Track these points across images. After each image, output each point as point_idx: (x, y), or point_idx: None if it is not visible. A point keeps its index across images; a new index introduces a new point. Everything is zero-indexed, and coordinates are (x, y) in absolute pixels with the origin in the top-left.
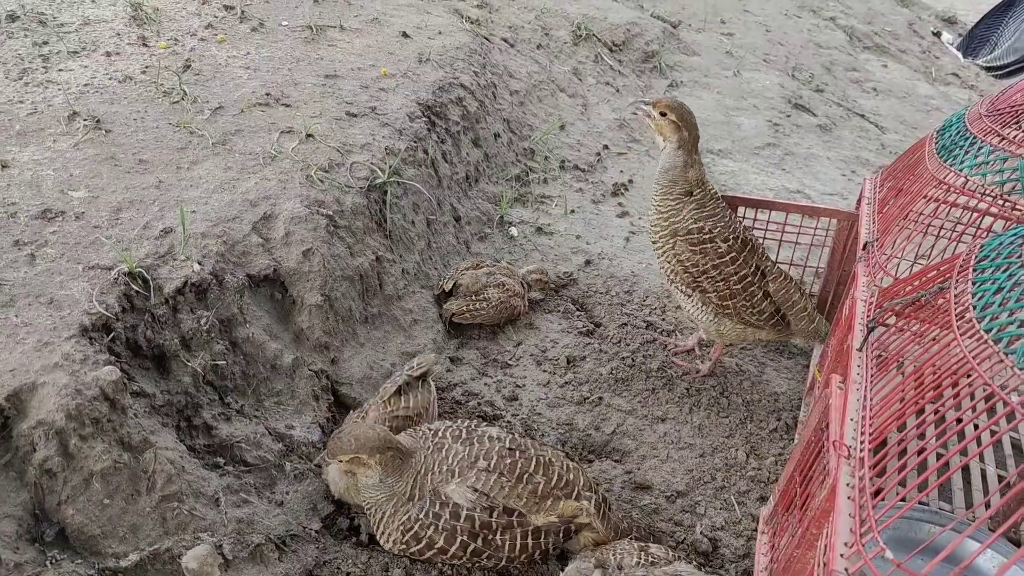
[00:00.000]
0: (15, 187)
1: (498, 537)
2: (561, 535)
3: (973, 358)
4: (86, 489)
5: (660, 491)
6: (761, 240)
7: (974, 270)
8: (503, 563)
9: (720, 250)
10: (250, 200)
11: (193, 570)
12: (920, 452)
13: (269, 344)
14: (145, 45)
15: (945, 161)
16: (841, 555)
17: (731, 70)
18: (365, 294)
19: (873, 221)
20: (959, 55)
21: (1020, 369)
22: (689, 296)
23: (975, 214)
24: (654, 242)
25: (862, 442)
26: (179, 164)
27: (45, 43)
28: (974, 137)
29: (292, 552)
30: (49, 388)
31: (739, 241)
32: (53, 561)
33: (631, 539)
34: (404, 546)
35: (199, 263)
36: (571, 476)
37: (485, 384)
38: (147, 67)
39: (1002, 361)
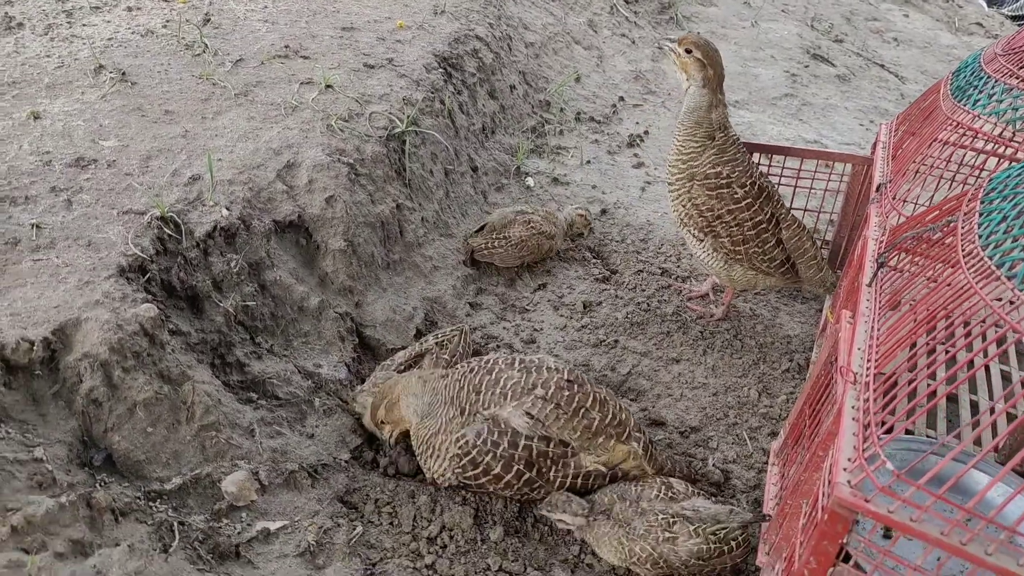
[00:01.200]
0: (48, 137)
1: (551, 472)
2: (607, 479)
3: (976, 283)
4: (130, 418)
5: (674, 427)
6: (777, 187)
7: (981, 202)
8: (551, 491)
9: (736, 196)
10: (273, 149)
11: (232, 493)
12: (924, 380)
13: (296, 287)
14: (165, 0)
15: (959, 102)
16: (844, 469)
17: (749, 20)
18: (386, 240)
19: (887, 164)
20: (983, 4)
21: (1021, 290)
22: (701, 240)
23: (988, 154)
24: (670, 184)
25: (867, 368)
26: (203, 114)
27: None
28: (988, 77)
29: (323, 480)
30: (92, 323)
31: (756, 187)
32: (102, 483)
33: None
34: (460, 470)
35: (227, 208)
36: (624, 416)
37: (504, 328)
38: (168, 21)
39: (1004, 284)
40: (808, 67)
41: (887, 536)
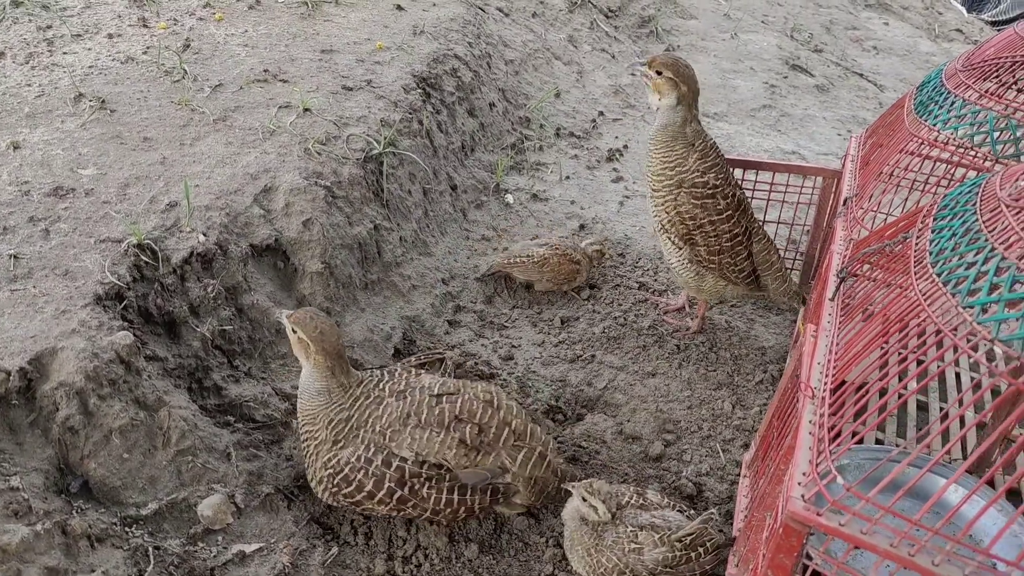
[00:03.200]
0: (27, 166)
1: (424, 490)
2: (488, 494)
3: (924, 300)
4: (106, 444)
5: (649, 441)
6: (750, 199)
7: (935, 219)
8: (427, 515)
9: (719, 207)
10: (251, 173)
11: (208, 517)
12: (879, 392)
13: (273, 310)
14: (145, 26)
15: (921, 117)
16: (799, 483)
17: (728, 32)
18: (364, 261)
19: (855, 177)
20: (963, 10)
21: (964, 308)
22: (679, 249)
23: (948, 167)
24: (655, 190)
25: (825, 383)
26: (182, 140)
27: (49, 27)
28: (948, 92)
29: (300, 502)
30: (68, 352)
31: (735, 199)
32: (79, 510)
33: (628, 483)
34: (336, 488)
35: (204, 234)
36: (509, 419)
37: (482, 345)
38: (148, 47)
39: (950, 302)
40: (787, 78)
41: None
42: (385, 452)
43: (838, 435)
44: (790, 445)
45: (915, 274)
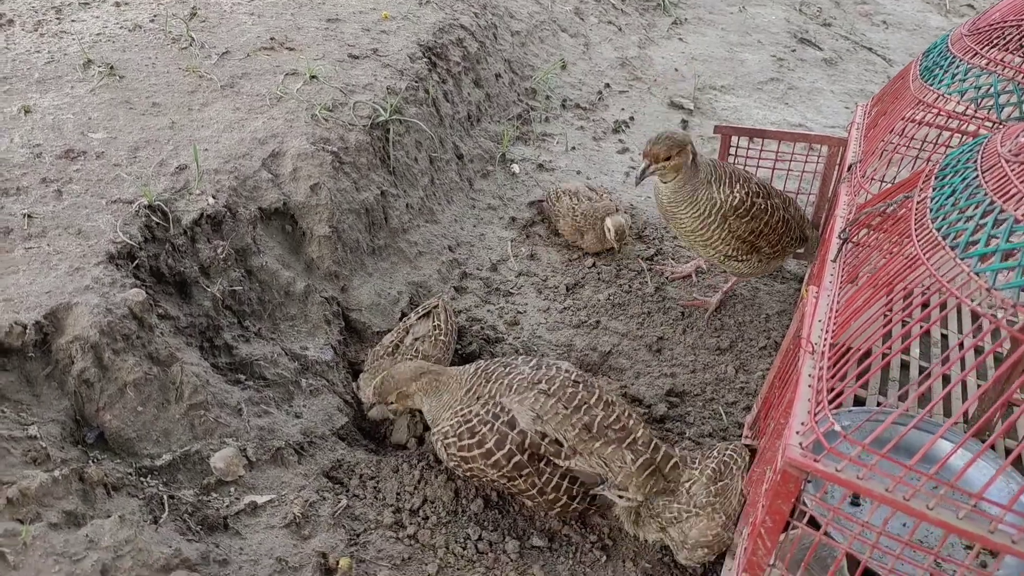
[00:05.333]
0: (38, 130)
1: (540, 464)
2: (590, 497)
3: (923, 253)
4: (121, 397)
5: (653, 403)
6: (756, 168)
7: (936, 178)
8: (535, 493)
9: (763, 207)
10: (259, 138)
11: (220, 469)
12: (880, 347)
13: (282, 272)
14: None
15: (926, 82)
16: (796, 432)
17: (736, 5)
18: (371, 227)
19: (860, 144)
20: None
21: (961, 259)
22: (747, 260)
23: (952, 132)
24: (705, 238)
25: (825, 339)
26: (190, 106)
27: None
28: (954, 57)
29: (310, 456)
30: (83, 307)
31: (764, 188)
32: (95, 460)
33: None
34: (456, 439)
35: (213, 197)
36: (630, 423)
37: (488, 311)
38: (155, 15)
39: (948, 254)
40: (795, 51)
41: (855, 503)
42: (510, 414)
43: (836, 388)
44: (790, 400)
45: (915, 230)
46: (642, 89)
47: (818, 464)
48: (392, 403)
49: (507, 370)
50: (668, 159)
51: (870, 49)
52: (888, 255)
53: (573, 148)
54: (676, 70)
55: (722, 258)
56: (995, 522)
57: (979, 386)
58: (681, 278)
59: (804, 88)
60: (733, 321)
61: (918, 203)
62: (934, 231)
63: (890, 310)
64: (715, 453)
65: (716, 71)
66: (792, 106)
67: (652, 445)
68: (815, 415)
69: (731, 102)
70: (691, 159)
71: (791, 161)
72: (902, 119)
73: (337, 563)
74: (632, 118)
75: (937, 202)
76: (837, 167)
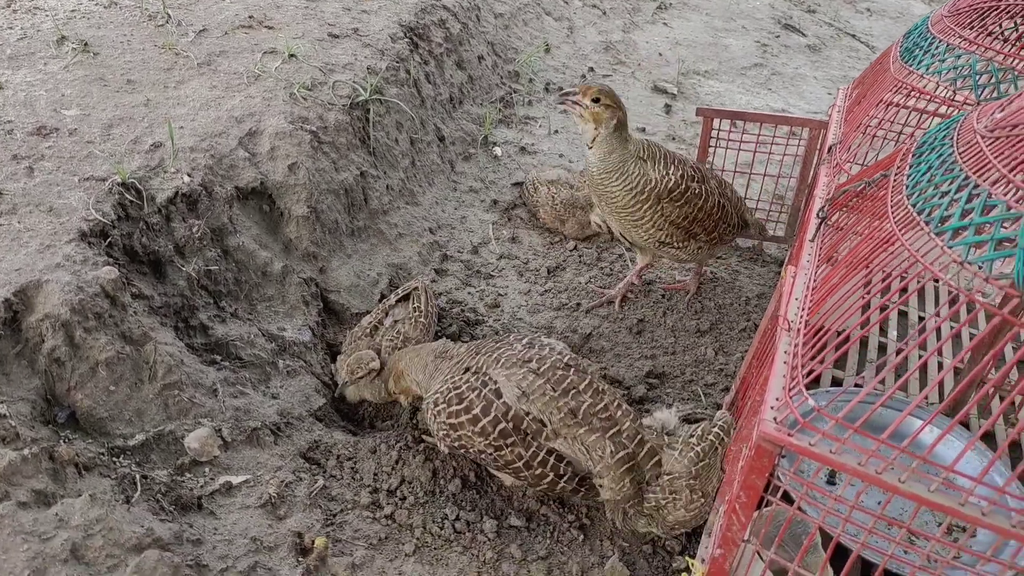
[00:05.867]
0: (10, 106)
1: (524, 440)
2: (577, 478)
3: (898, 229)
4: (93, 376)
5: (632, 384)
6: (737, 151)
7: (913, 156)
8: (521, 467)
9: (698, 192)
10: (236, 117)
11: (195, 449)
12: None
13: (259, 253)
14: None
15: (907, 63)
16: (771, 407)
17: None
18: (351, 208)
19: (840, 126)
20: None
21: (935, 234)
22: (685, 247)
23: (930, 115)
24: (637, 219)
25: (801, 316)
26: (166, 84)
27: None
28: (933, 38)
29: (286, 437)
30: (53, 285)
31: (700, 173)
32: (66, 439)
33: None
34: (445, 405)
35: (188, 175)
36: (618, 414)
37: (468, 293)
38: None
39: (923, 229)
40: (779, 37)
41: (831, 482)
42: (496, 384)
43: (811, 366)
44: (766, 377)
45: (891, 207)
46: (626, 73)
47: (792, 439)
48: (399, 394)
49: (498, 345)
50: (596, 101)
51: (854, 36)
52: (864, 233)
53: (556, 131)
54: (660, 55)
55: (657, 244)
56: (966, 495)
57: (953, 365)
58: (609, 303)
59: (788, 74)
60: (713, 304)
61: (894, 181)
62: (909, 207)
63: (868, 291)
64: (699, 431)
65: (700, 56)
66: (775, 92)
67: (637, 439)
68: (790, 391)
69: (715, 87)
70: (616, 123)
71: (772, 144)
72: (881, 101)
73: (313, 543)
74: None
75: (913, 179)
76: (818, 150)
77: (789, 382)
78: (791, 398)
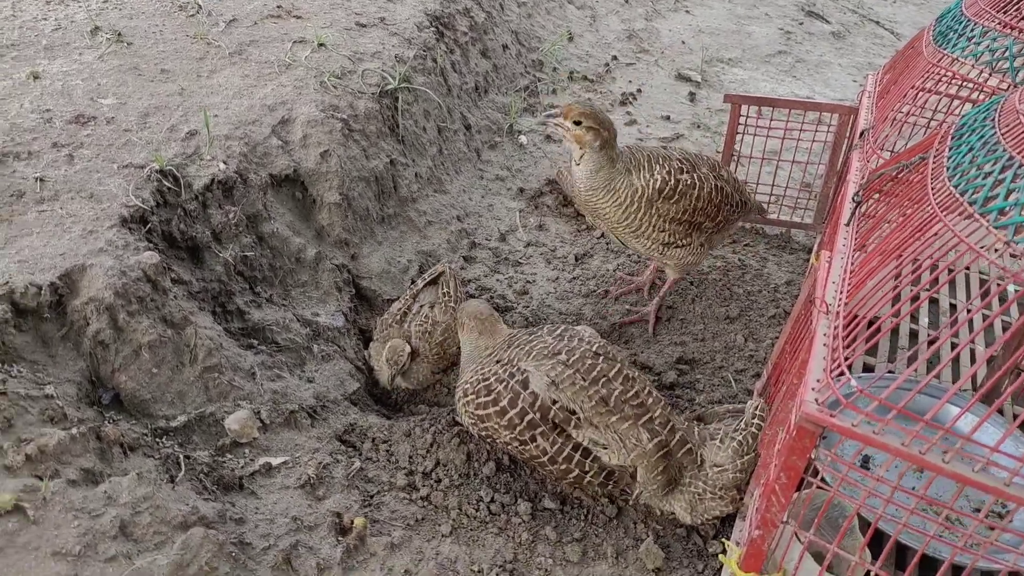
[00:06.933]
0: (48, 96)
1: (551, 433)
2: (604, 472)
3: (941, 211)
4: (136, 359)
5: (662, 371)
6: (766, 137)
7: (952, 138)
8: (545, 461)
9: (691, 182)
10: (268, 105)
11: (235, 431)
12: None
13: (293, 239)
14: None
15: (940, 46)
16: (812, 388)
17: None
18: (381, 195)
19: (871, 112)
20: None
21: (980, 214)
22: (689, 242)
23: (962, 100)
24: (636, 230)
25: (839, 299)
26: (199, 73)
27: None
28: (968, 20)
29: (323, 420)
30: (97, 269)
31: (689, 162)
32: (111, 420)
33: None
34: (474, 395)
35: (224, 162)
36: (649, 401)
37: (497, 280)
38: None
39: (966, 210)
40: (803, 24)
41: (864, 467)
42: (525, 375)
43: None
44: (804, 361)
45: (932, 189)
46: (649, 62)
47: (834, 419)
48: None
49: (531, 338)
50: (577, 124)
51: (877, 23)
52: (904, 215)
53: None
54: (683, 43)
55: (660, 248)
56: (1011, 474)
57: (988, 354)
58: (644, 320)
59: (812, 61)
60: (742, 291)
61: (934, 163)
62: (951, 188)
63: (900, 279)
64: (741, 424)
65: (723, 44)
66: (800, 79)
67: (669, 427)
68: (831, 372)
69: (738, 75)
70: (601, 144)
71: (801, 131)
72: (913, 87)
73: (352, 523)
74: (639, 90)
75: (954, 161)
76: (847, 136)
77: (830, 364)
78: (833, 379)
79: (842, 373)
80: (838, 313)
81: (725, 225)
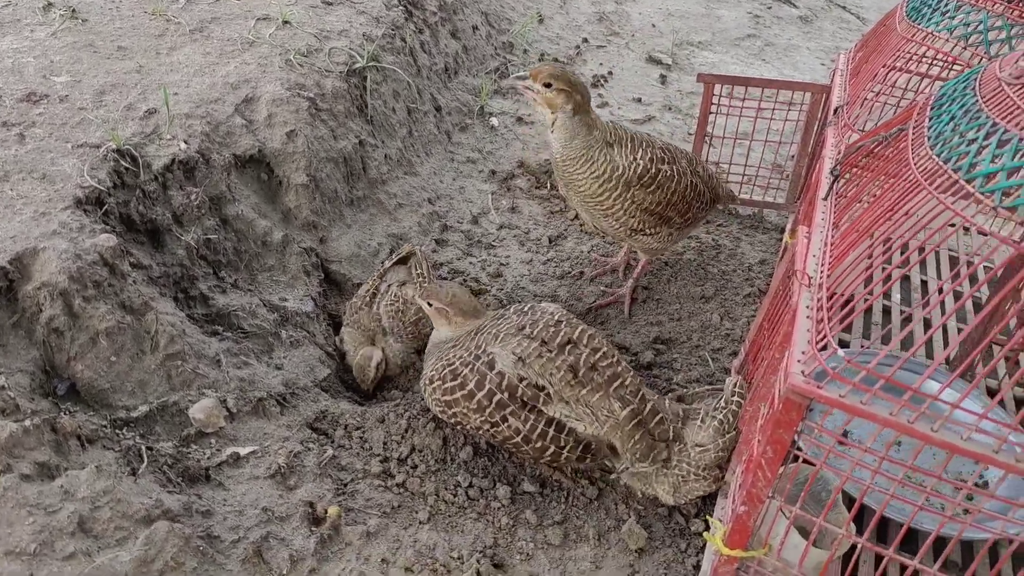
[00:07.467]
0: None
1: (522, 411)
2: (580, 446)
3: (924, 179)
4: (93, 347)
5: (639, 351)
6: (738, 117)
7: (932, 109)
8: (519, 441)
9: (669, 174)
10: (231, 83)
11: (200, 420)
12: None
13: (259, 222)
14: None
15: (914, 21)
16: (798, 361)
17: None
18: (350, 177)
19: (844, 89)
20: None
21: (965, 181)
22: (657, 233)
23: (941, 69)
24: (606, 209)
25: (821, 271)
26: (158, 50)
27: None
28: None
29: (292, 407)
30: (50, 252)
31: (670, 153)
32: (67, 412)
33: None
34: (440, 382)
35: (185, 142)
36: (619, 369)
37: (470, 263)
38: None
39: (950, 178)
40: (771, 8)
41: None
42: (490, 356)
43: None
44: (786, 334)
45: (913, 158)
46: (620, 44)
47: (821, 391)
48: (431, 308)
49: (497, 322)
50: (548, 86)
51: (844, 7)
52: (884, 186)
53: None
54: (653, 25)
55: (629, 232)
56: (999, 441)
57: (959, 329)
58: (619, 301)
59: (781, 45)
60: (717, 270)
61: (914, 134)
62: (934, 156)
63: (886, 245)
64: (721, 403)
65: (693, 27)
66: (769, 62)
67: (640, 395)
68: (816, 344)
69: (708, 58)
70: (573, 108)
71: (774, 111)
72: (890, 57)
73: (325, 512)
74: (611, 72)
75: (935, 130)
76: (820, 115)
77: (815, 335)
78: (819, 351)
79: (827, 345)
80: (820, 285)
81: (693, 222)
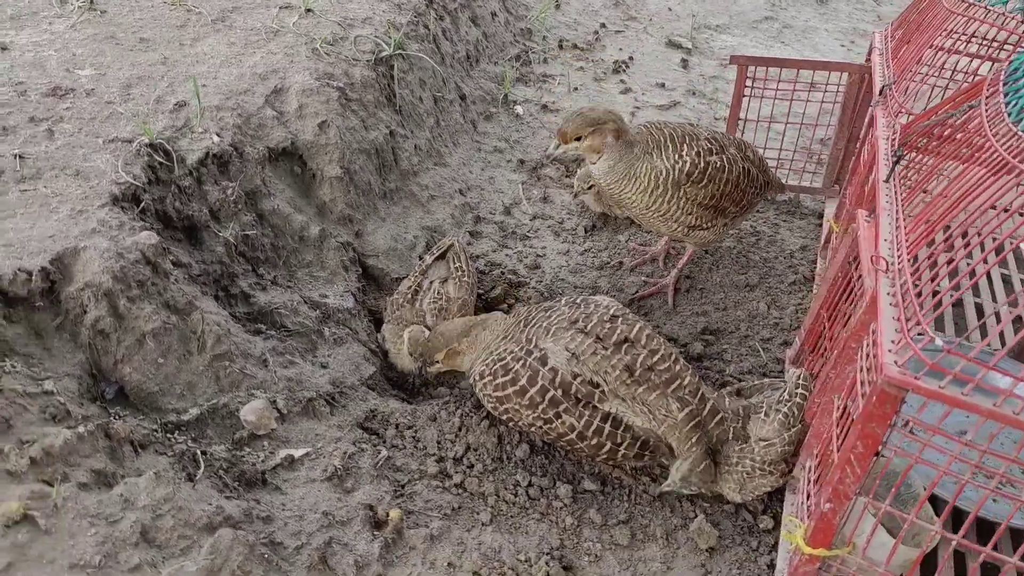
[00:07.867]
0: (19, 67)
1: (576, 408)
2: (638, 444)
3: (1013, 157)
4: (140, 348)
5: (687, 342)
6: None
7: (1004, 84)
8: (574, 438)
9: (719, 164)
10: (259, 74)
11: (252, 422)
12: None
13: (295, 216)
14: None
15: None
16: (889, 350)
17: None
18: (382, 169)
19: (887, 67)
20: None
21: None
22: (712, 226)
23: (994, 45)
24: (660, 212)
25: (900, 254)
26: (181, 41)
27: None
28: None
29: (342, 407)
30: (91, 252)
31: (717, 142)
32: (117, 416)
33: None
34: (491, 377)
35: (218, 135)
36: (678, 368)
37: (506, 255)
38: None
39: None
40: None
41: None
42: (542, 351)
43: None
44: (861, 322)
45: (992, 135)
46: (638, 29)
47: (920, 382)
48: (438, 362)
49: (547, 313)
50: (579, 139)
51: None
52: (961, 166)
53: (575, 89)
54: (670, 9)
55: (686, 230)
56: None
57: None
58: (645, 262)
59: (798, 27)
60: (759, 257)
61: (987, 109)
62: (1020, 132)
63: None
64: (784, 395)
65: (709, 10)
66: (788, 44)
67: (699, 395)
68: (908, 331)
69: (728, 41)
70: (614, 137)
71: (809, 92)
72: (940, 33)
73: (387, 515)
74: (631, 58)
75: (1016, 106)
76: (858, 96)
77: (904, 323)
78: (912, 339)
79: (923, 331)
80: (901, 270)
81: (749, 209)
